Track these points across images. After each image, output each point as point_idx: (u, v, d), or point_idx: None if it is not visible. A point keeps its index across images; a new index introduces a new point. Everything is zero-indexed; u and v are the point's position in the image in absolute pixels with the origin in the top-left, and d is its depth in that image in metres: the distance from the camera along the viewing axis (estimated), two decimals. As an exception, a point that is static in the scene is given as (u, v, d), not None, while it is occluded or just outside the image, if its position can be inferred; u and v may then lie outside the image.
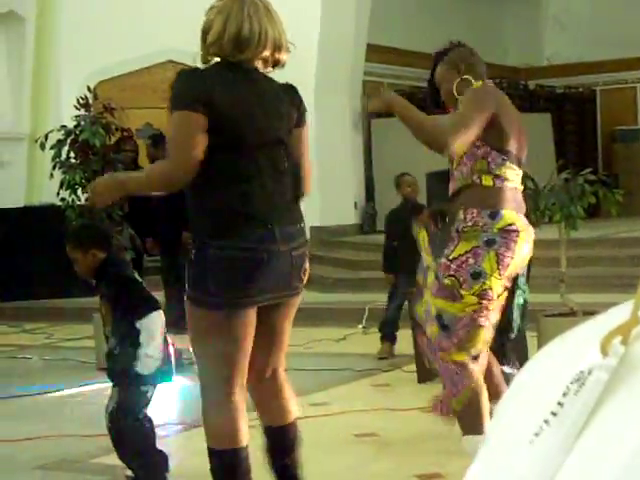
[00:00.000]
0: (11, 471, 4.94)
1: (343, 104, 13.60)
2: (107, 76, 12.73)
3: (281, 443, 3.70)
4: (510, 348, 4.84)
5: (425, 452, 4.87)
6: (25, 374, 7.91)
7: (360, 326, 9.27)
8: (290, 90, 3.63)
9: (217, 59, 3.51)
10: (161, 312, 4.29)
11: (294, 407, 3.74)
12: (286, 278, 3.48)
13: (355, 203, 13.85)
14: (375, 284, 10.83)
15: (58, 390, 6.98)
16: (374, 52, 14.34)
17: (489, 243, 3.92)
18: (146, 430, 4.36)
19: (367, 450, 5.02)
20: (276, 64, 3.56)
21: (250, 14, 3.46)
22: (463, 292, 3.91)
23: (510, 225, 3.96)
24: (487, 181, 4.00)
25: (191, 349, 3.60)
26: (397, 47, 15.39)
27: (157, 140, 9.64)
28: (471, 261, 3.92)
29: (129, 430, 4.31)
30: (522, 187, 4.19)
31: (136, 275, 4.43)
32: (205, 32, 3.50)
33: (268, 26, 3.48)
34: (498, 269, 3.92)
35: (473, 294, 3.91)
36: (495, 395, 4.28)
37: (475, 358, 4.00)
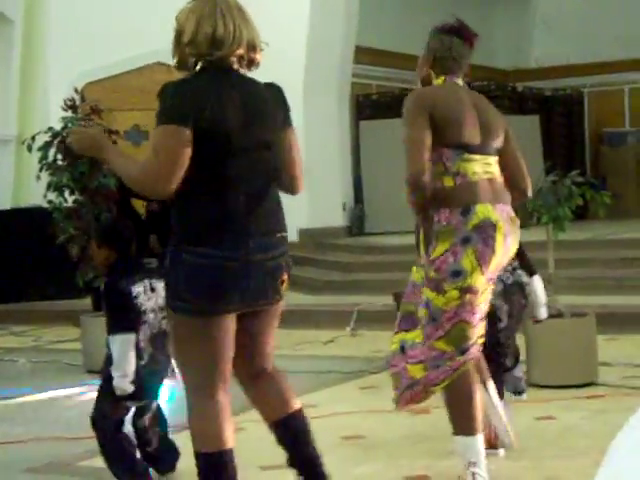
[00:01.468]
0: (-1, 474, 4.93)
1: (331, 106, 13.60)
2: (95, 78, 12.71)
3: (290, 434, 3.67)
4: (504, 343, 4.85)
5: (412, 454, 4.87)
6: (13, 377, 7.88)
7: (348, 328, 9.27)
8: (274, 89, 3.60)
9: (195, 61, 3.49)
10: (129, 337, 4.21)
11: (293, 396, 3.71)
12: (262, 289, 3.47)
13: (344, 205, 13.85)
14: (364, 286, 10.83)
15: (46, 392, 6.96)
16: (363, 54, 14.36)
17: (465, 241, 3.89)
18: (124, 443, 4.37)
19: (354, 452, 5.01)
20: (251, 64, 3.55)
21: (223, 13, 3.46)
22: (446, 287, 3.92)
23: (484, 220, 3.91)
24: (448, 182, 3.96)
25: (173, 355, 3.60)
26: (385, 49, 15.41)
27: None
28: (450, 260, 3.90)
29: (107, 439, 4.34)
30: (499, 173, 4.10)
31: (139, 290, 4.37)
32: (179, 33, 3.49)
33: (242, 24, 3.48)
34: (479, 265, 3.90)
35: (456, 289, 3.92)
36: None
37: (463, 352, 4.00)
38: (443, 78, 4.19)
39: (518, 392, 5.04)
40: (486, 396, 4.30)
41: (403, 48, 15.64)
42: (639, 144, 16.89)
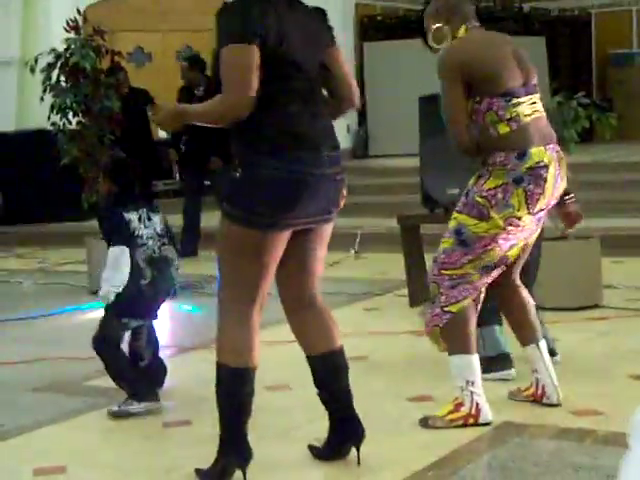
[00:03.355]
0: (7, 393, 4.98)
1: (335, 27, 13.43)
2: (97, -2, 12.57)
3: (327, 370, 3.66)
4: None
5: (416, 375, 4.91)
6: (18, 298, 7.93)
7: (352, 251, 9.30)
8: (320, 12, 3.74)
9: None
10: (123, 249, 4.42)
11: (337, 334, 3.71)
12: (326, 202, 3.51)
13: (347, 127, 13.78)
14: (368, 209, 10.83)
15: (52, 314, 7.01)
16: (367, -26, 14.18)
17: (517, 181, 3.96)
18: (124, 360, 4.54)
19: (358, 373, 5.03)
20: None
21: None
22: (492, 213, 3.95)
23: (538, 162, 3.98)
24: (503, 128, 4.02)
25: (217, 265, 3.56)
26: (391, -31, 15.20)
27: (193, 62, 9.55)
28: (499, 196, 3.96)
29: (108, 358, 4.49)
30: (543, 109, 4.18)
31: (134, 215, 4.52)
32: None
33: None
34: (527, 205, 3.96)
35: (502, 218, 3.95)
36: (520, 321, 4.32)
37: (485, 271, 4.03)
38: (465, 27, 4.17)
39: (549, 354, 4.97)
40: (537, 354, 4.28)
41: (409, -32, 15.42)
42: (646, 66, 16.75)
